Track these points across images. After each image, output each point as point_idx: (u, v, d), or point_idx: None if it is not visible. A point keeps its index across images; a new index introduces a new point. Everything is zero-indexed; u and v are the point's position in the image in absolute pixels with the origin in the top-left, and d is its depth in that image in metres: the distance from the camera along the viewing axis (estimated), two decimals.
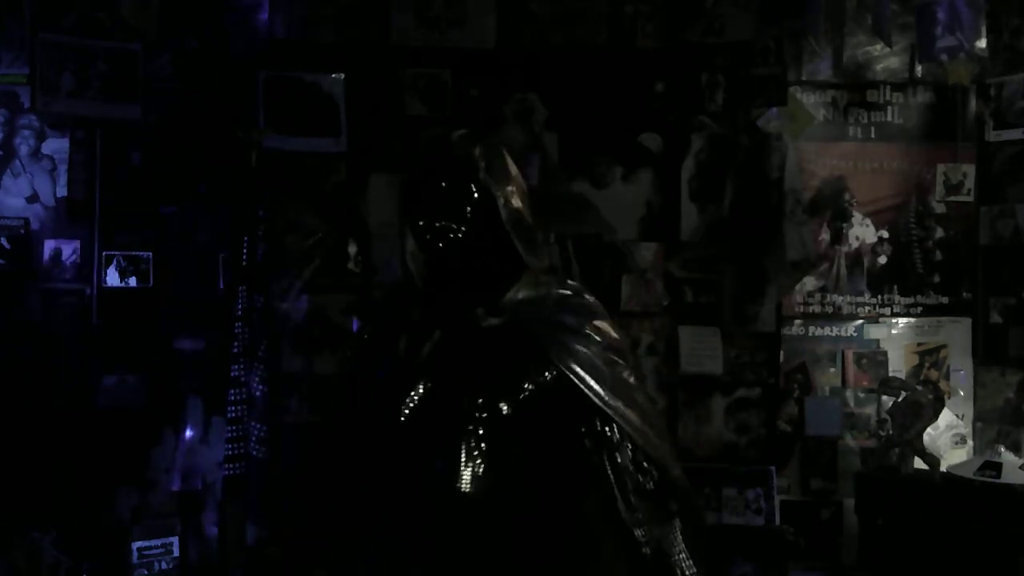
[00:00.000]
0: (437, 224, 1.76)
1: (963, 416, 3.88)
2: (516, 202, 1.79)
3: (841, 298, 3.95)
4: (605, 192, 3.91)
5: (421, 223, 1.77)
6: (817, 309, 3.95)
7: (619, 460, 1.78)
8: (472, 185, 1.77)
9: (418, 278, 1.85)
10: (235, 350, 3.30)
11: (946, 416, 3.72)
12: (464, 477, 1.72)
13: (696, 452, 3.85)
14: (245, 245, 3.35)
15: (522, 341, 1.79)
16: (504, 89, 3.90)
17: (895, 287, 3.96)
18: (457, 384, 1.77)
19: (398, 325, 1.90)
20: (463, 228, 1.75)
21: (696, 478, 3.67)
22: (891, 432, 3.65)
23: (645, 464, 1.79)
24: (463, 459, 1.73)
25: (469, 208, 1.76)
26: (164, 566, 3.58)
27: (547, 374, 1.78)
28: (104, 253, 3.75)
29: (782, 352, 3.91)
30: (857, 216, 3.95)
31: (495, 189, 1.77)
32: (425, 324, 1.83)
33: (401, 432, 1.78)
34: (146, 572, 3.55)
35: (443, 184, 1.77)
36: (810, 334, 3.95)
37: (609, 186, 3.91)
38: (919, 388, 3.62)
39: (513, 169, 1.83)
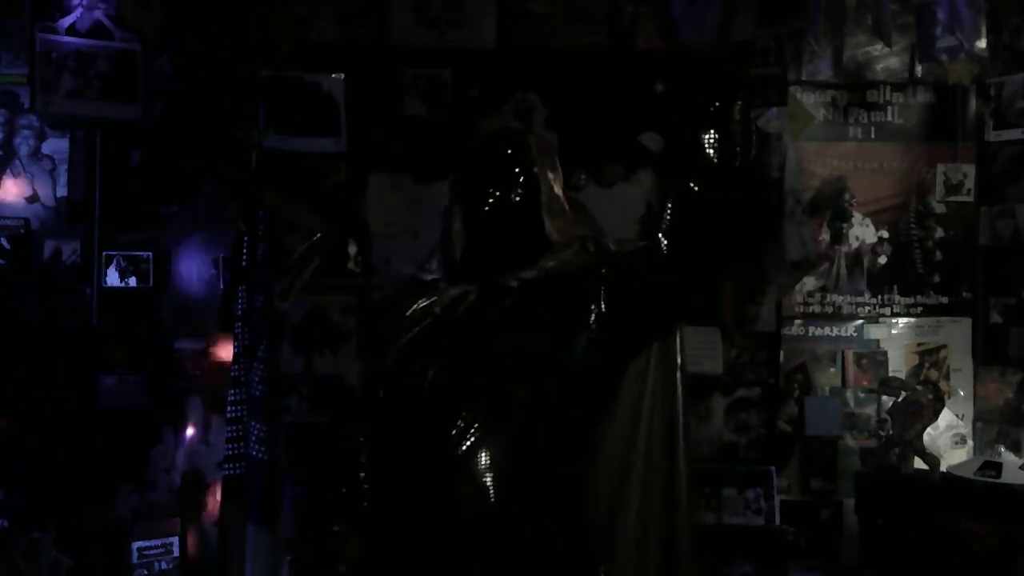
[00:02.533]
0: (488, 190, 1.91)
1: (963, 416, 3.88)
2: (557, 190, 1.97)
3: (841, 298, 3.95)
4: (605, 192, 3.91)
5: (474, 187, 1.92)
6: (817, 309, 3.95)
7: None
8: (524, 163, 1.94)
9: (457, 250, 1.97)
10: (235, 350, 3.29)
11: (946, 416, 3.71)
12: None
13: (696, 452, 3.84)
14: (245, 245, 3.35)
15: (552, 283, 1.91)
16: (504, 89, 3.90)
17: (895, 287, 3.96)
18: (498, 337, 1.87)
19: (432, 290, 1.98)
20: (511, 197, 1.91)
21: (696, 478, 3.73)
22: (891, 432, 3.65)
23: None
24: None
25: (519, 181, 1.92)
26: (164, 566, 3.58)
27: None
28: (104, 253, 3.75)
29: (782, 352, 3.92)
30: (857, 216, 3.95)
31: (541, 174, 1.94)
32: (461, 287, 1.93)
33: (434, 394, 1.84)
34: (146, 572, 3.55)
35: (500, 156, 1.95)
36: (810, 334, 3.95)
37: (610, 186, 3.91)
38: (919, 388, 3.62)
39: (558, 165, 2.01)
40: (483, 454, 1.76)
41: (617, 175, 3.91)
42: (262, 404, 3.24)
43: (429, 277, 2.12)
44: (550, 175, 1.96)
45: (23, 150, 3.77)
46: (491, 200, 1.91)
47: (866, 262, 3.96)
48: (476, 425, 1.78)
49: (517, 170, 1.93)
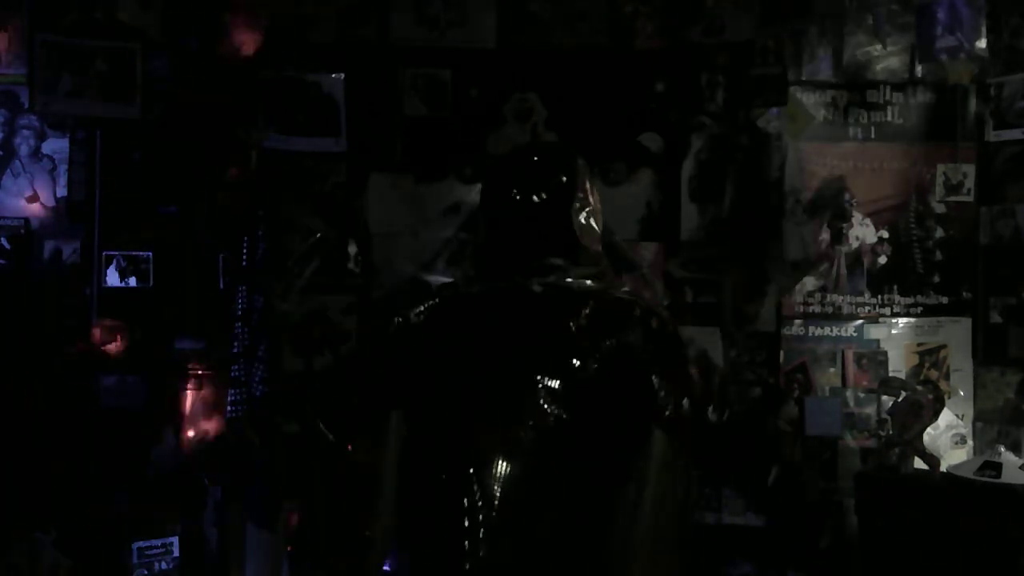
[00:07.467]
0: (523, 191, 1.90)
1: (963, 416, 3.88)
2: (595, 203, 1.97)
3: (841, 298, 3.95)
4: (605, 192, 3.90)
5: (508, 188, 1.92)
6: (817, 309, 3.95)
7: None
8: (558, 166, 1.95)
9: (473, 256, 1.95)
10: (235, 350, 3.30)
11: (946, 416, 3.71)
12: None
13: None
14: (245, 245, 3.35)
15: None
16: (504, 89, 3.90)
17: (895, 287, 3.95)
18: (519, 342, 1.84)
19: (454, 294, 1.96)
20: (541, 196, 1.90)
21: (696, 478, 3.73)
22: (891, 432, 3.65)
23: None
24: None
25: (551, 183, 1.92)
26: (164, 566, 3.58)
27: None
28: (104, 253, 3.75)
29: (782, 352, 3.92)
30: (857, 216, 3.95)
31: (580, 185, 1.94)
32: (481, 291, 1.92)
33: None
34: (146, 572, 3.55)
35: (536, 159, 1.97)
36: (810, 334, 3.95)
37: (615, 185, 3.91)
38: (919, 388, 3.62)
39: (588, 183, 1.99)
40: (495, 468, 1.73)
41: (622, 173, 3.91)
42: (262, 404, 3.25)
43: (430, 278, 2.09)
44: (580, 194, 1.95)
45: (23, 150, 3.77)
46: (520, 199, 1.90)
47: (866, 262, 3.95)
48: (490, 438, 1.74)
49: (557, 168, 1.94)
